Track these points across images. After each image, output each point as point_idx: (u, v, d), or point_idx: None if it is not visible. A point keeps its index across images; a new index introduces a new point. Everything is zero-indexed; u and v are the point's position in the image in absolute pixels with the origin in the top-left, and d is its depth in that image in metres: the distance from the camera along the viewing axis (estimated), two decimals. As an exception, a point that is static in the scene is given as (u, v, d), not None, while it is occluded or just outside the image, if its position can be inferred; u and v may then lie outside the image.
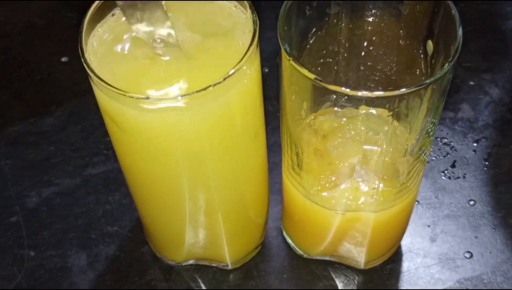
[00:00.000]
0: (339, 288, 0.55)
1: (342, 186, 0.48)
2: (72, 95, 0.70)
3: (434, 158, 0.63)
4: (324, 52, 0.49)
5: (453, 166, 0.63)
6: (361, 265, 0.56)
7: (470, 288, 0.55)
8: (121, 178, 0.50)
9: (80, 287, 0.56)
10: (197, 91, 0.39)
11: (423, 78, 0.47)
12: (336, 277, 0.56)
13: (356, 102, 0.44)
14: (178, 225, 0.51)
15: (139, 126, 0.42)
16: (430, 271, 0.56)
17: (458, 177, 0.62)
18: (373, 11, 0.48)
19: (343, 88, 0.39)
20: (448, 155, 0.63)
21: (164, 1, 0.42)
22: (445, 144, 0.64)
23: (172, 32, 0.43)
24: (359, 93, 0.39)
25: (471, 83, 0.69)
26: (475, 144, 0.64)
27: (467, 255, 0.57)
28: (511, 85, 0.69)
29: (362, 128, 0.47)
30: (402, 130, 0.47)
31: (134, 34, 0.43)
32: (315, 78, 0.39)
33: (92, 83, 0.41)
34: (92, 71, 0.40)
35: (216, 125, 0.42)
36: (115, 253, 0.58)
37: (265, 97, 0.67)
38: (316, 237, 0.54)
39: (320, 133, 0.48)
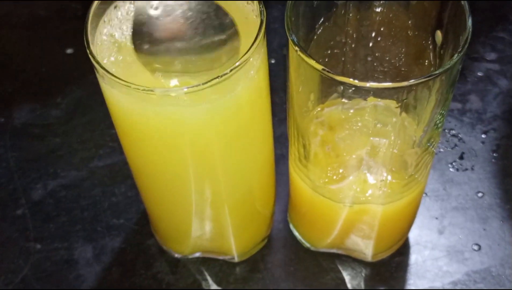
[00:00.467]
0: (346, 280, 0.55)
1: (350, 179, 0.48)
2: (78, 87, 0.70)
3: (442, 149, 0.62)
4: (331, 43, 0.49)
5: (461, 158, 0.62)
6: (369, 258, 0.55)
7: (479, 280, 0.54)
8: (127, 170, 0.50)
9: (86, 279, 0.56)
10: (204, 83, 0.39)
11: (432, 69, 0.47)
12: (343, 270, 0.55)
13: (364, 93, 0.43)
14: (184, 218, 0.51)
15: (145, 120, 0.41)
16: (438, 264, 0.56)
17: (466, 169, 0.61)
18: (381, 1, 0.47)
19: (350, 79, 0.38)
20: (456, 147, 0.63)
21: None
22: (453, 135, 0.63)
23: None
24: (367, 84, 0.38)
25: (480, 74, 0.68)
26: (483, 136, 0.63)
27: (476, 247, 0.56)
28: (520, 76, 0.68)
29: (370, 119, 0.46)
30: (410, 121, 0.47)
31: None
32: (323, 69, 0.39)
33: (97, 75, 0.41)
34: (98, 63, 0.39)
35: (223, 118, 0.42)
36: (121, 246, 0.58)
37: (272, 88, 0.67)
38: (323, 230, 0.54)
39: (327, 124, 0.48)
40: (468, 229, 0.57)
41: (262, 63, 0.43)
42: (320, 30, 0.47)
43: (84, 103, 0.68)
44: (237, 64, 0.39)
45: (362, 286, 0.54)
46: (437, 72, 0.38)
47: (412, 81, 0.38)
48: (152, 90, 0.38)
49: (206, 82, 0.39)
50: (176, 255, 0.56)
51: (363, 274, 0.55)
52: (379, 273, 0.55)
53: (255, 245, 0.57)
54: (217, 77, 0.39)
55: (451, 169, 0.61)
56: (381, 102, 0.47)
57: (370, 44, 0.50)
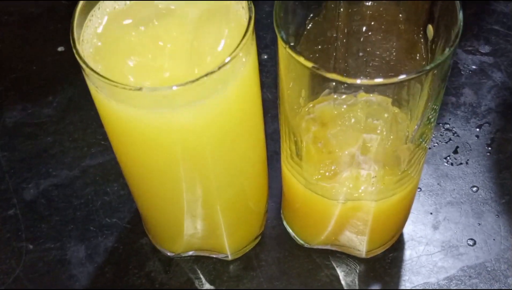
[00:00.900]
0: (340, 277, 0.54)
1: (343, 175, 0.47)
2: (69, 85, 0.69)
3: (436, 144, 0.62)
4: (322, 38, 0.48)
5: (455, 152, 0.62)
6: (363, 254, 0.55)
7: (474, 276, 0.54)
8: (119, 169, 0.50)
9: (79, 279, 0.55)
10: (192, 81, 0.38)
11: (424, 63, 0.46)
12: (337, 266, 0.55)
13: (355, 89, 0.43)
14: (176, 217, 0.51)
15: (133, 121, 0.41)
16: (433, 259, 0.55)
17: (461, 163, 0.61)
18: (372, -5, 0.47)
19: (340, 76, 0.38)
20: (451, 141, 0.62)
21: None
22: (447, 129, 0.63)
23: None
24: (358, 81, 0.38)
25: (474, 67, 0.68)
26: (477, 129, 0.63)
27: (470, 242, 0.56)
28: (514, 68, 0.68)
29: (362, 115, 0.46)
30: (403, 117, 0.46)
31: (130, 21, 0.43)
32: (313, 66, 0.38)
33: (84, 74, 0.40)
34: (84, 62, 0.39)
35: (213, 117, 0.41)
36: (114, 245, 0.57)
37: (265, 84, 0.67)
38: (317, 226, 0.54)
39: (319, 121, 0.47)
40: (463, 224, 0.57)
41: (252, 60, 0.43)
42: (310, 26, 0.46)
43: (76, 101, 0.68)
44: (226, 60, 0.39)
45: (356, 283, 0.54)
46: (428, 67, 0.38)
47: (403, 77, 0.38)
48: (139, 89, 0.38)
49: (195, 80, 0.38)
50: (169, 254, 0.56)
51: (357, 271, 0.55)
52: (373, 269, 0.55)
53: (249, 243, 0.56)
54: (206, 75, 0.38)
55: (445, 164, 0.61)
56: (373, 98, 0.47)
57: (362, 39, 0.49)
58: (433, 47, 0.44)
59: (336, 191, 0.48)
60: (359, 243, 0.53)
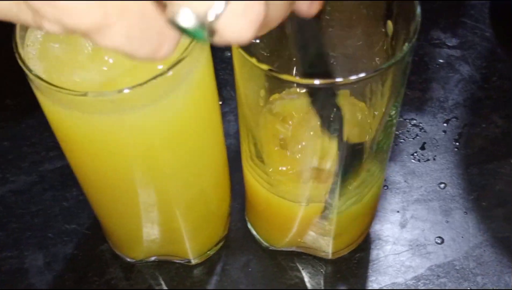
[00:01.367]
0: (306, 280, 0.53)
1: (303, 177, 0.46)
2: (27, 88, 0.67)
3: (403, 140, 0.61)
4: (280, 35, 0.47)
5: (422, 148, 0.60)
6: (329, 256, 0.54)
7: (442, 275, 0.53)
8: (79, 173, 0.48)
9: (38, 288, 0.54)
10: (141, 84, 0.36)
11: (386, 59, 0.45)
12: (303, 269, 0.54)
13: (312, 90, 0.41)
14: (134, 222, 0.49)
15: (80, 127, 0.39)
16: (400, 259, 0.54)
17: (428, 160, 0.60)
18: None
19: (295, 78, 0.37)
20: (417, 137, 0.61)
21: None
22: (414, 125, 0.62)
23: None
24: (316, 82, 0.36)
25: (440, 60, 0.67)
26: (445, 125, 0.62)
27: (438, 240, 0.55)
28: (482, 61, 0.66)
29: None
30: (364, 114, 0.45)
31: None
32: (269, 69, 0.37)
33: (28, 79, 0.39)
34: (27, 67, 0.37)
35: (164, 121, 0.40)
36: (74, 252, 0.56)
37: (228, 82, 0.65)
38: (281, 229, 0.52)
39: (277, 122, 0.46)
40: (431, 222, 0.56)
41: (205, 60, 0.41)
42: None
43: (34, 104, 0.65)
44: (175, 62, 0.37)
45: (322, 284, 0.53)
46: (385, 65, 0.37)
47: (360, 76, 0.36)
48: (85, 94, 0.36)
49: (143, 83, 0.36)
50: (130, 260, 0.54)
51: (323, 272, 0.53)
52: (340, 271, 0.54)
53: (212, 247, 0.55)
54: (154, 77, 0.37)
55: (412, 160, 0.60)
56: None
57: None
58: (393, 43, 0.43)
59: (298, 193, 0.46)
60: (325, 244, 0.52)
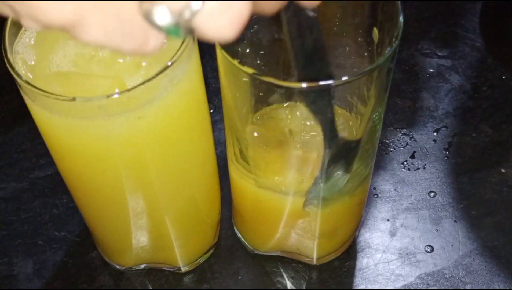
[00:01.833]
0: (288, 287, 0.53)
1: (289, 178, 0.46)
2: (18, 95, 0.67)
3: (393, 149, 0.61)
4: (268, 41, 0.47)
5: (412, 157, 0.61)
6: (314, 261, 0.53)
7: (432, 283, 0.53)
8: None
9: (27, 296, 0.54)
10: (129, 90, 0.37)
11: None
12: (291, 277, 0.54)
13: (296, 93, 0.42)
14: (123, 230, 0.49)
15: (69, 131, 0.39)
16: (390, 267, 0.54)
17: (418, 168, 0.60)
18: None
19: (278, 80, 0.37)
20: (408, 146, 0.61)
21: None
22: (404, 134, 0.62)
23: None
24: (303, 85, 0.37)
25: (431, 70, 0.67)
26: (435, 134, 0.62)
27: (428, 249, 0.55)
28: (472, 71, 0.67)
29: (306, 117, 0.45)
30: (348, 118, 0.45)
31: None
32: (254, 73, 0.37)
33: (17, 84, 0.39)
34: (15, 72, 0.37)
35: (153, 126, 0.40)
36: (63, 259, 0.55)
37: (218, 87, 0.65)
38: (267, 229, 0.52)
39: (263, 125, 0.46)
40: (421, 230, 0.56)
41: (194, 65, 0.41)
42: (254, 28, 0.45)
43: (24, 111, 0.65)
44: (163, 68, 0.37)
45: (309, 293, 0.53)
46: (365, 70, 0.37)
47: (331, 82, 0.37)
48: (73, 99, 0.36)
49: (131, 88, 0.37)
50: (120, 268, 0.54)
51: (311, 280, 0.53)
52: (329, 278, 0.54)
53: (202, 254, 0.54)
54: (142, 83, 0.37)
55: (402, 169, 0.60)
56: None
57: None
58: (379, 50, 0.43)
59: (285, 186, 0.46)
60: (309, 248, 0.52)
